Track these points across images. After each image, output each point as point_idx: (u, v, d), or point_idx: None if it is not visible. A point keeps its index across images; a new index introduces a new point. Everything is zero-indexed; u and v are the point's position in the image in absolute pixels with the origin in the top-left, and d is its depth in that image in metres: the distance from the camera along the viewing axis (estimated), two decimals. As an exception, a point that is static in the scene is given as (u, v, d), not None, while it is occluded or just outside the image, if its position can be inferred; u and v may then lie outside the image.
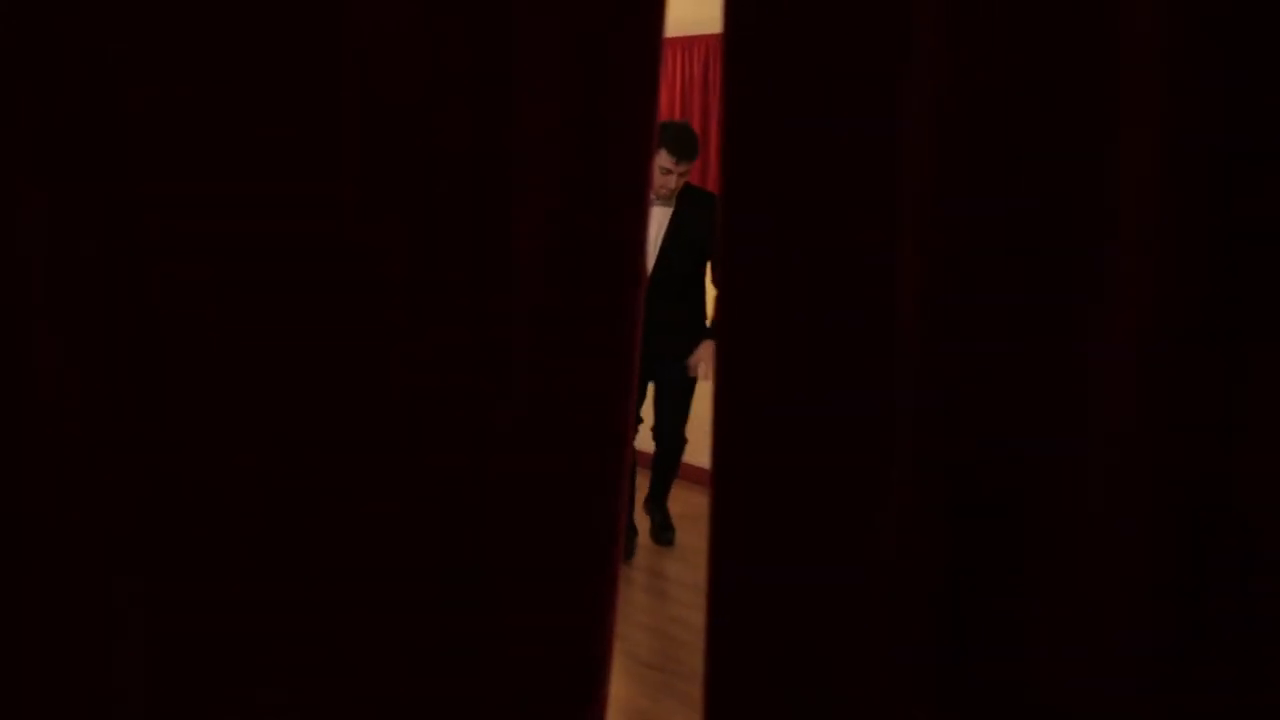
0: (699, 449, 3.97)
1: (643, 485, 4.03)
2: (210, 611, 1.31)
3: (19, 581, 1.27)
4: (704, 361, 3.60)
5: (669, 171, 3.38)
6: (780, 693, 1.33)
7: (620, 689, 2.87)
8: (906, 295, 1.21)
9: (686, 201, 3.51)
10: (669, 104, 5.00)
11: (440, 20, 1.18)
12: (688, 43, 4.95)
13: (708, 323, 3.73)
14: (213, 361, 1.23)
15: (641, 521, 4.09)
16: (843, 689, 1.31)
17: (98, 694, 1.31)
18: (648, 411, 3.92)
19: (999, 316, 1.19)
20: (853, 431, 1.24)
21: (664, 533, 4.04)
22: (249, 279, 1.21)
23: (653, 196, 3.47)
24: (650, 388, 3.85)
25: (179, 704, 1.33)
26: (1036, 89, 1.13)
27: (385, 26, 1.18)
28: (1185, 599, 1.16)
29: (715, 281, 1.32)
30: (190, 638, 1.31)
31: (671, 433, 3.90)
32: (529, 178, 1.22)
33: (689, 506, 4.32)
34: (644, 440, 5.05)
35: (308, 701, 1.34)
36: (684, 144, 3.36)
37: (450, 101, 1.20)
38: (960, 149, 1.16)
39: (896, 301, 1.21)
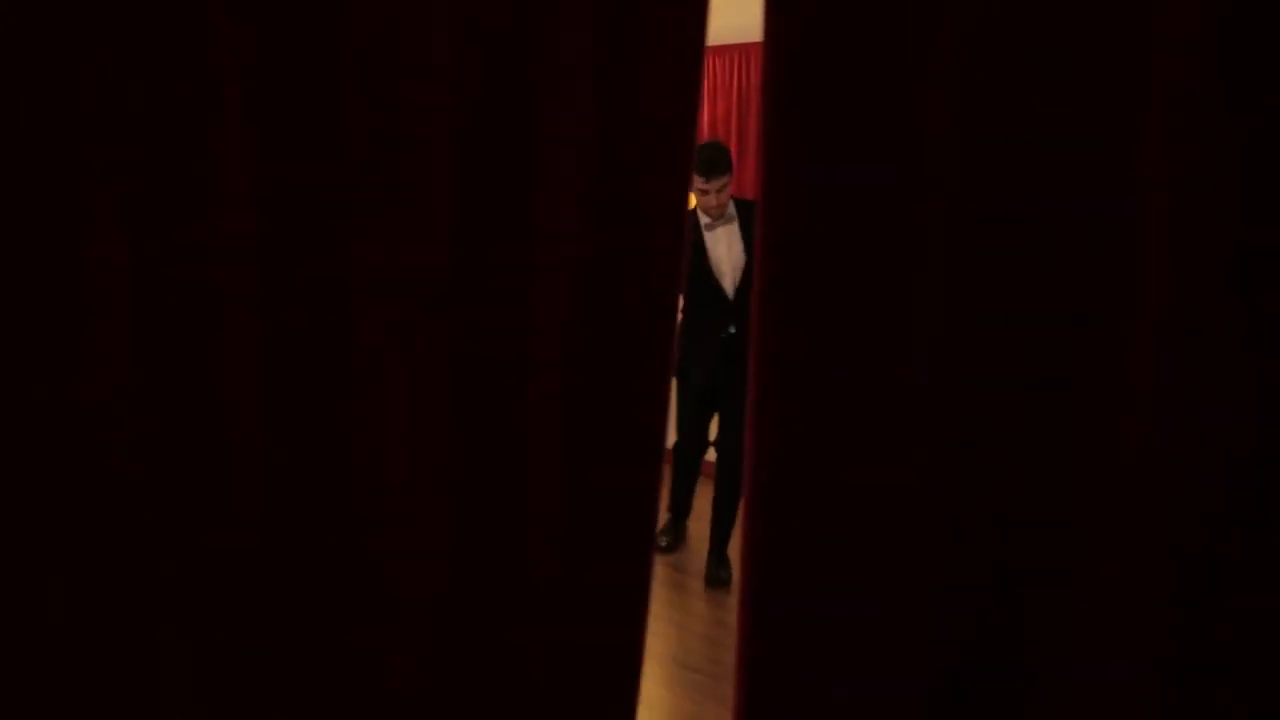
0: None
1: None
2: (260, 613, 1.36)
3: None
4: None
5: (705, 191, 3.39)
6: (812, 692, 1.34)
7: (664, 692, 2.89)
8: (935, 306, 1.22)
9: (744, 214, 3.51)
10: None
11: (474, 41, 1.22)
12: (721, 51, 4.95)
13: None
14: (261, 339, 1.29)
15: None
16: (873, 689, 1.32)
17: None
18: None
19: (1024, 331, 1.20)
20: (881, 445, 1.26)
21: (719, 570, 3.75)
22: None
23: (706, 219, 3.48)
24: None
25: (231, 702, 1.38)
26: (1058, 111, 1.14)
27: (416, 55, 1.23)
28: (1197, 610, 1.17)
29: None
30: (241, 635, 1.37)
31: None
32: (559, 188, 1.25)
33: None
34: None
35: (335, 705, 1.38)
36: (705, 161, 3.35)
37: (490, 115, 1.24)
38: (985, 169, 1.17)
39: (922, 311, 1.23)
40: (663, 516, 3.90)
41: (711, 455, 3.87)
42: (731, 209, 3.50)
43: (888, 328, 1.24)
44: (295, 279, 1.28)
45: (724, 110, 4.96)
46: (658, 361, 1.30)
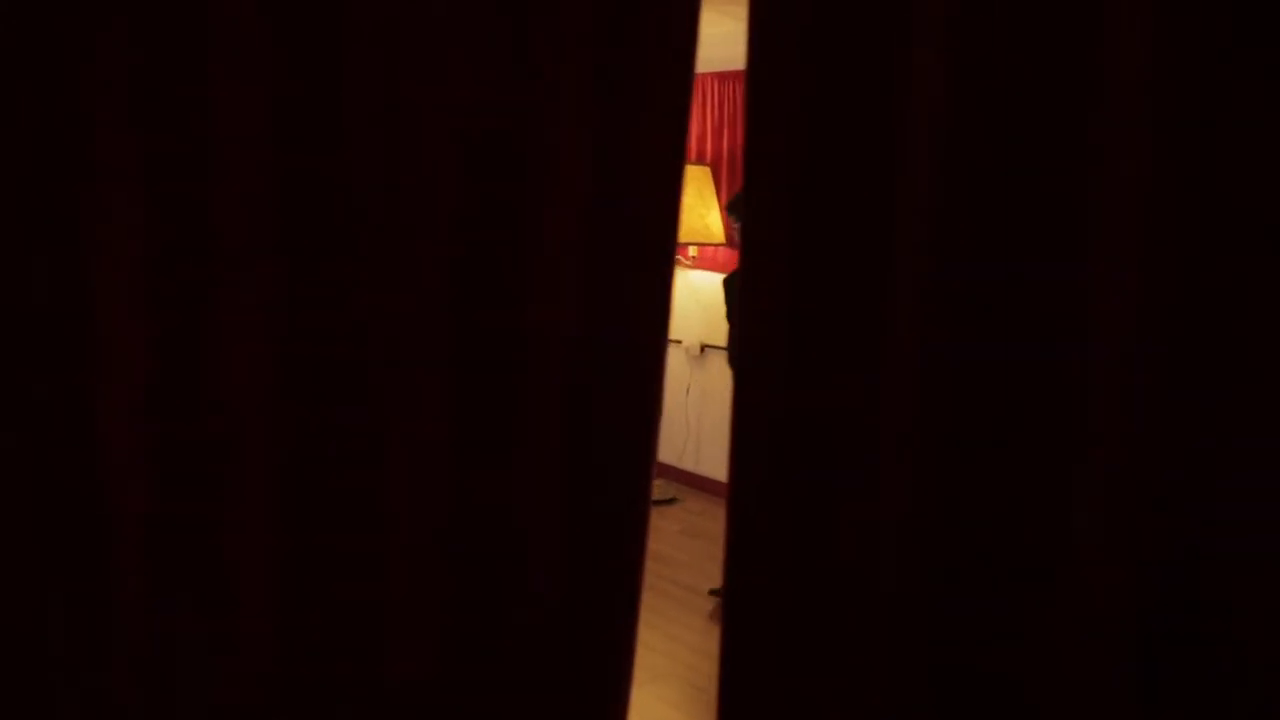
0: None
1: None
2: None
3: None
4: None
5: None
6: (791, 699, 1.35)
7: (674, 713, 2.89)
8: (907, 300, 1.24)
9: None
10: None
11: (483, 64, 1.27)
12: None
13: None
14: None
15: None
16: (851, 697, 1.32)
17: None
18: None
19: (993, 327, 1.22)
20: (855, 440, 1.28)
21: None
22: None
23: None
24: None
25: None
26: (1027, 117, 1.17)
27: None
28: (1168, 615, 1.17)
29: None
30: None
31: None
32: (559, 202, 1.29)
33: (709, 517, 4.37)
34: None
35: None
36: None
37: (489, 133, 1.28)
38: (958, 181, 1.20)
39: (897, 310, 1.25)
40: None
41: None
42: None
43: (866, 337, 1.26)
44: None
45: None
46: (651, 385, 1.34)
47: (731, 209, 3.88)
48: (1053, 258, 1.18)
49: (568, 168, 1.28)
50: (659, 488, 4.79)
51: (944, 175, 1.21)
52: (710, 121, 4.94)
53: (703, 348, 5.14)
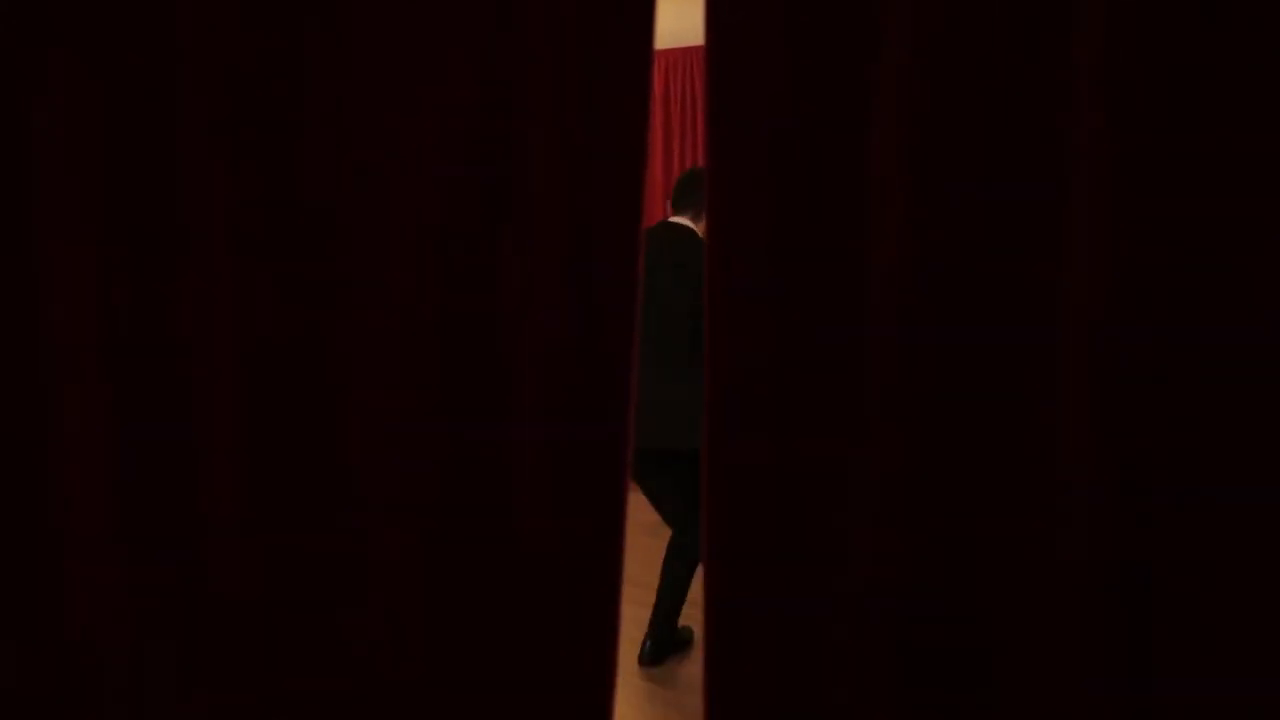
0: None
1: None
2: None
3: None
4: None
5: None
6: (779, 694, 1.35)
7: (624, 708, 2.87)
8: (879, 291, 1.25)
9: None
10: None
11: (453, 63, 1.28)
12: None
13: None
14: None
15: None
16: (838, 691, 1.33)
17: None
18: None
19: (969, 336, 1.23)
20: (831, 430, 1.28)
21: (659, 650, 3.30)
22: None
23: None
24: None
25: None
26: (996, 110, 1.19)
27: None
28: (1149, 601, 1.20)
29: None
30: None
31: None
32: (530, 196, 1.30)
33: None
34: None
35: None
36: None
37: (456, 132, 1.29)
38: (929, 166, 1.21)
39: (869, 295, 1.26)
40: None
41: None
42: None
43: (839, 322, 1.26)
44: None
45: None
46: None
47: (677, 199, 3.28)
48: (1025, 256, 1.20)
49: (541, 164, 1.28)
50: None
51: (915, 158, 1.21)
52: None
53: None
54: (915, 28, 1.19)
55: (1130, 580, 1.20)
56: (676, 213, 3.18)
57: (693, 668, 3.11)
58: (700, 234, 3.08)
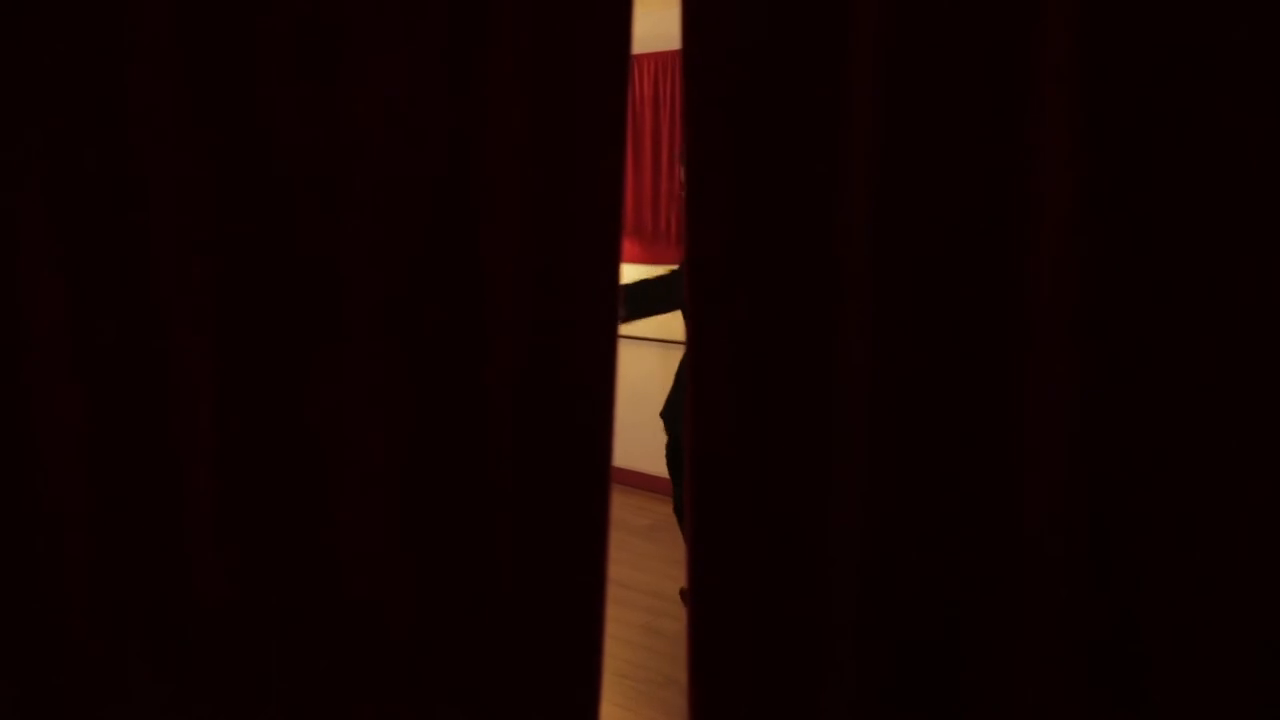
0: (659, 459, 3.94)
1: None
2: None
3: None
4: None
5: None
6: (761, 689, 1.37)
7: (621, 713, 2.88)
8: (863, 307, 1.26)
9: None
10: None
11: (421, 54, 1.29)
12: (637, 60, 4.94)
13: None
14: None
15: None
16: (819, 687, 1.35)
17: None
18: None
19: (936, 332, 1.25)
20: (806, 434, 1.30)
21: None
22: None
23: None
24: None
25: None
26: (961, 122, 1.20)
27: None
28: (1098, 601, 1.22)
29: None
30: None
31: None
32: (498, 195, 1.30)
33: (649, 515, 4.33)
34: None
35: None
36: None
37: (428, 128, 1.30)
38: (899, 175, 1.23)
39: (850, 310, 1.27)
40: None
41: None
42: None
43: (813, 327, 1.28)
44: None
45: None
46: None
47: None
48: (991, 258, 1.21)
49: (509, 160, 1.29)
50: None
51: (887, 158, 1.22)
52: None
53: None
54: (885, 27, 1.19)
55: (1111, 581, 1.21)
56: None
57: (678, 667, 3.14)
58: None
